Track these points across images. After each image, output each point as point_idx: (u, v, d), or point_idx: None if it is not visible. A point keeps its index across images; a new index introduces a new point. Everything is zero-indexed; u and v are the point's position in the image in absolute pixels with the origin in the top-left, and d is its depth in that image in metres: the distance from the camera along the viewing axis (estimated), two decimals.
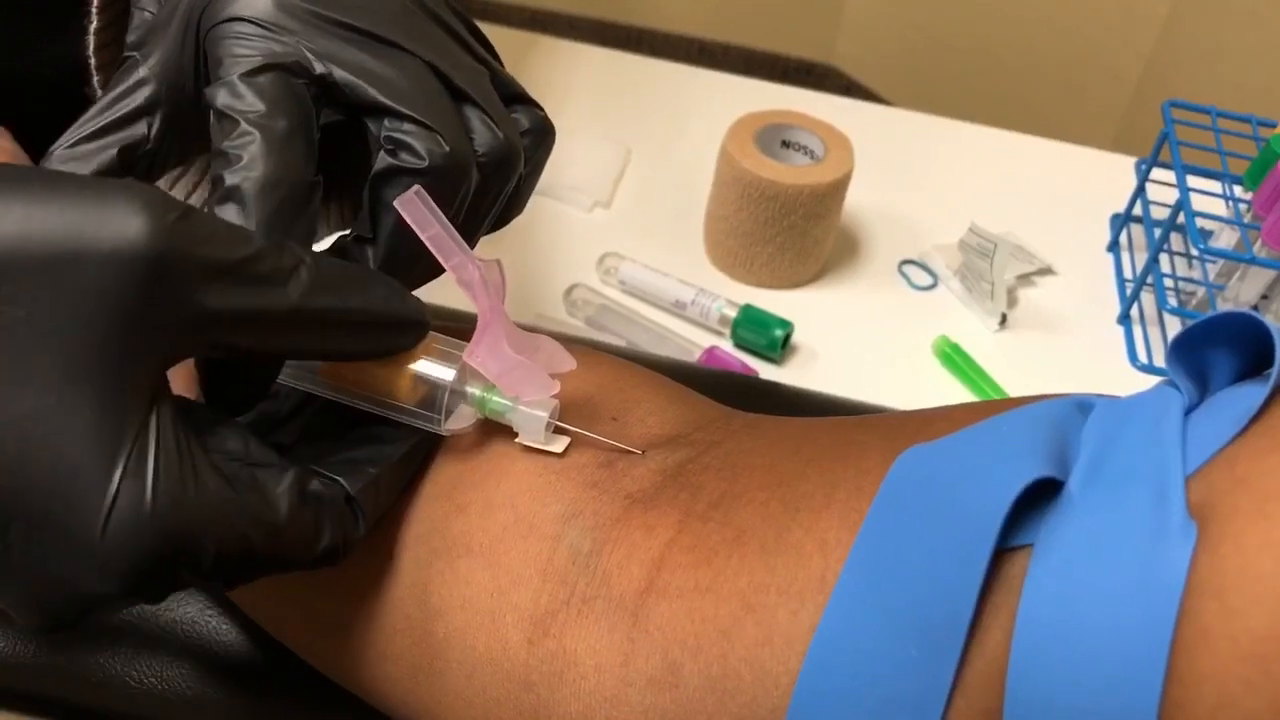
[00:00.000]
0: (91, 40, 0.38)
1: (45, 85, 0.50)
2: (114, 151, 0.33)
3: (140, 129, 0.34)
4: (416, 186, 0.32)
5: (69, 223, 0.25)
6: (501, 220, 0.38)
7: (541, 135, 0.38)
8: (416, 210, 0.32)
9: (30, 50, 0.53)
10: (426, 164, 0.33)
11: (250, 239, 0.28)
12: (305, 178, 0.32)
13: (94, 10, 0.38)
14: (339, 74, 0.33)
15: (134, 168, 0.34)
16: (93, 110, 0.34)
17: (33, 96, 0.48)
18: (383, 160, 0.33)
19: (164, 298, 0.26)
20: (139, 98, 0.34)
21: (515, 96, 0.38)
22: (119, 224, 0.26)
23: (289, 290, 0.28)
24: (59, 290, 0.25)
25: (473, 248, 0.35)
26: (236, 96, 0.32)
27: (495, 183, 0.36)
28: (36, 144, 0.47)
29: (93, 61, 0.39)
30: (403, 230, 0.33)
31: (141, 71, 0.34)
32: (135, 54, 0.35)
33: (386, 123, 0.33)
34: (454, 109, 0.35)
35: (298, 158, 0.32)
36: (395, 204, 0.32)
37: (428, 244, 0.32)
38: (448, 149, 0.33)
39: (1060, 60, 1.42)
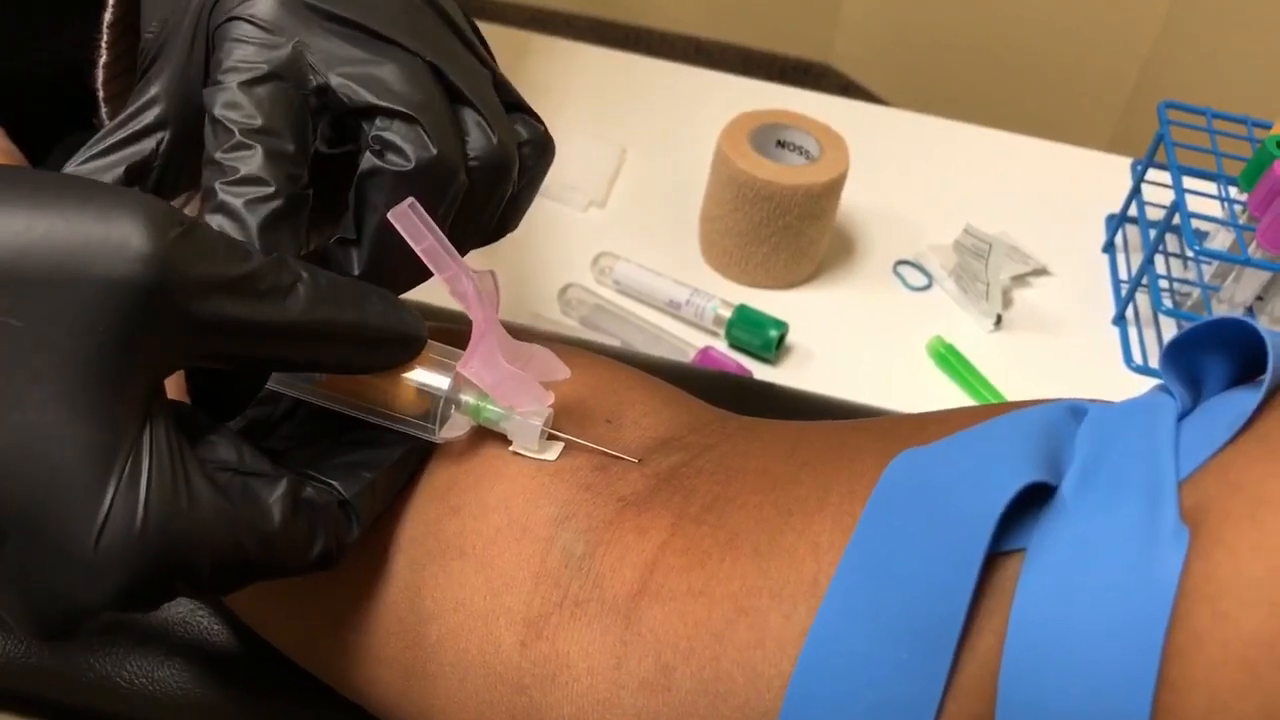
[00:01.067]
0: (101, 73, 0.38)
1: (41, 84, 0.50)
2: (120, 170, 0.34)
3: (148, 145, 0.34)
4: (410, 200, 0.32)
5: (72, 235, 0.25)
6: (496, 232, 0.38)
7: (541, 149, 0.38)
8: (410, 223, 0.32)
9: (26, 49, 0.53)
10: (412, 166, 0.33)
11: (250, 255, 0.28)
12: (296, 191, 0.32)
13: (104, 45, 0.38)
14: (335, 81, 0.33)
15: (142, 185, 0.34)
16: (103, 131, 0.34)
17: (30, 96, 0.48)
18: (368, 160, 0.33)
19: (163, 313, 0.26)
20: (149, 116, 0.34)
21: (515, 105, 0.38)
22: (121, 238, 0.26)
23: (287, 306, 0.29)
24: (59, 303, 0.25)
25: (464, 254, 0.34)
26: (233, 106, 0.32)
27: (486, 187, 0.35)
28: (32, 142, 0.47)
29: (101, 94, 0.39)
30: (388, 233, 0.33)
31: (152, 90, 0.34)
32: (148, 74, 0.35)
33: (378, 121, 0.33)
34: (449, 110, 0.35)
35: (291, 171, 0.32)
36: (389, 216, 0.32)
37: (422, 256, 0.32)
38: (434, 151, 0.33)
39: (1057, 61, 1.42)
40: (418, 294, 0.37)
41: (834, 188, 0.75)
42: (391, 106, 0.33)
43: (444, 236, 0.32)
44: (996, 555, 0.28)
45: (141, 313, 0.26)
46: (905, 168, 0.90)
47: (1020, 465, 0.28)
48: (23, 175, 0.27)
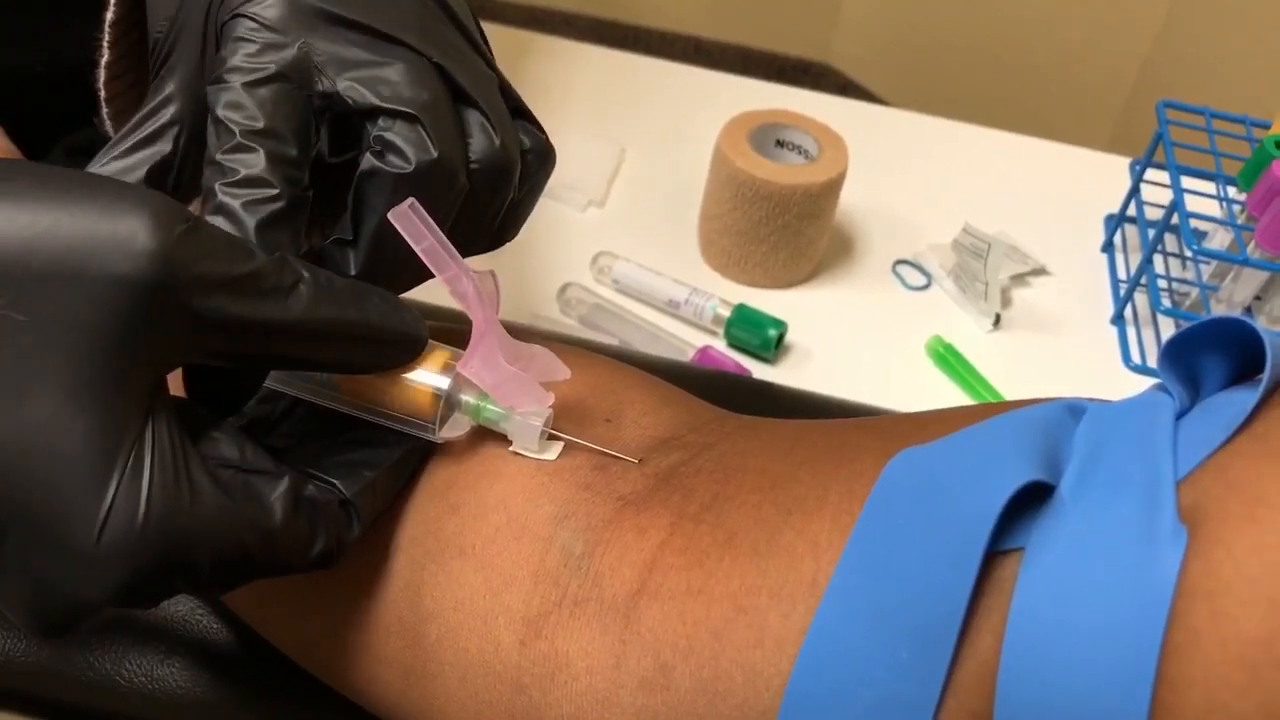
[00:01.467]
0: (102, 73, 0.38)
1: (41, 83, 0.50)
2: (142, 172, 0.34)
3: (166, 144, 0.34)
4: (411, 200, 0.32)
5: (77, 230, 0.26)
6: (496, 239, 0.38)
7: (543, 157, 0.38)
8: (410, 223, 0.32)
9: (26, 47, 0.53)
10: (411, 168, 0.33)
11: (254, 254, 0.28)
12: (297, 194, 0.32)
13: (105, 44, 0.38)
14: (342, 86, 0.33)
15: (162, 185, 0.34)
16: (122, 131, 0.34)
17: (30, 96, 0.48)
18: (368, 161, 0.33)
19: (167, 310, 0.26)
20: (165, 115, 0.34)
21: (518, 111, 0.38)
22: (127, 234, 0.26)
23: (290, 305, 0.29)
24: (63, 298, 0.25)
25: (464, 257, 0.35)
26: (236, 107, 0.32)
27: (488, 190, 0.35)
28: (32, 141, 0.47)
29: (103, 94, 0.39)
30: (386, 234, 0.33)
31: (167, 89, 0.34)
32: (161, 72, 0.35)
33: (380, 121, 0.33)
34: (453, 112, 0.34)
35: (291, 174, 0.32)
36: (389, 216, 0.32)
37: (422, 256, 0.32)
38: (435, 154, 0.33)
39: (1057, 61, 1.42)
40: (418, 294, 0.37)
41: (833, 187, 0.75)
42: (394, 107, 0.33)
43: (444, 236, 0.32)
44: (995, 554, 0.28)
45: (145, 309, 0.26)
46: (904, 167, 0.90)
47: (1019, 464, 0.28)
48: (27, 169, 0.27)
